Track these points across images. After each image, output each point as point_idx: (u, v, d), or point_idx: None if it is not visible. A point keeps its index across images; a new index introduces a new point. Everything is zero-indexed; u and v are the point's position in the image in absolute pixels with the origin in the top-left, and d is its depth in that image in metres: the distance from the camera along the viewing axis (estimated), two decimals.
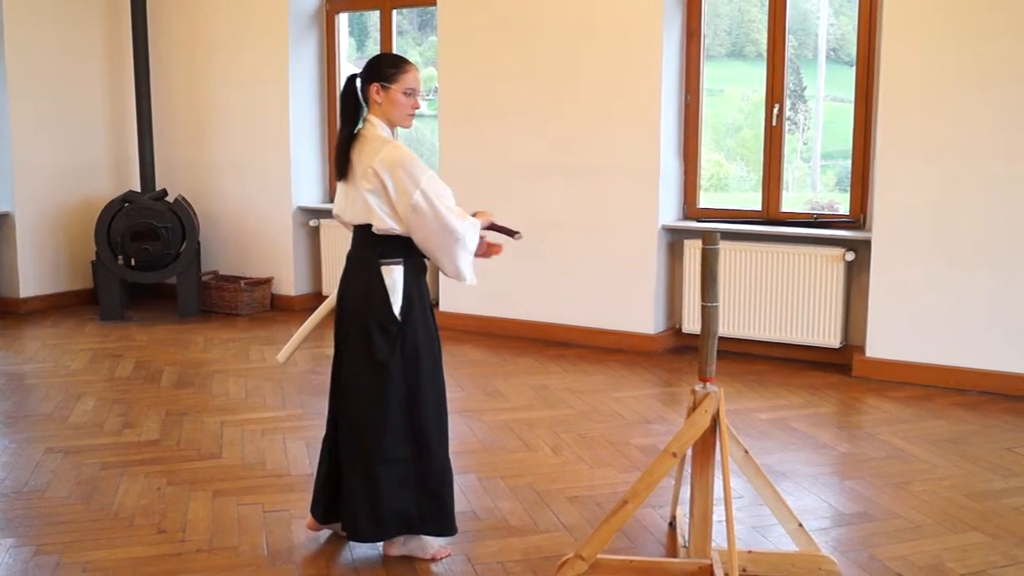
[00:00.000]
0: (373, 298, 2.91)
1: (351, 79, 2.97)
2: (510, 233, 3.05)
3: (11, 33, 6.78)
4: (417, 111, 3.00)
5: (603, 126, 5.78)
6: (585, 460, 3.94)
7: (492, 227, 3.05)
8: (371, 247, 2.93)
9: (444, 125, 6.35)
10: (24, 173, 6.93)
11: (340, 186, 3.01)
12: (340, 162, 2.94)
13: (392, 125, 2.98)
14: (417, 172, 2.85)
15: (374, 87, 2.92)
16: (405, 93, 2.93)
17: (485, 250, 3.07)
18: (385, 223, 2.88)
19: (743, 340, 5.63)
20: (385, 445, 2.94)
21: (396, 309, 2.90)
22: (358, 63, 7.11)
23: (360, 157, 2.90)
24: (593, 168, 5.85)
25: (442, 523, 3.02)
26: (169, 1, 7.34)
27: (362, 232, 2.96)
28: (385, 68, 2.94)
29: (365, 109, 2.97)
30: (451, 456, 3.09)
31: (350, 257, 3.03)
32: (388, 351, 2.91)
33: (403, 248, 2.93)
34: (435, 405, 3.01)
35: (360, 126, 2.96)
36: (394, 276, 2.92)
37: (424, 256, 2.98)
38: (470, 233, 2.93)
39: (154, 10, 7.26)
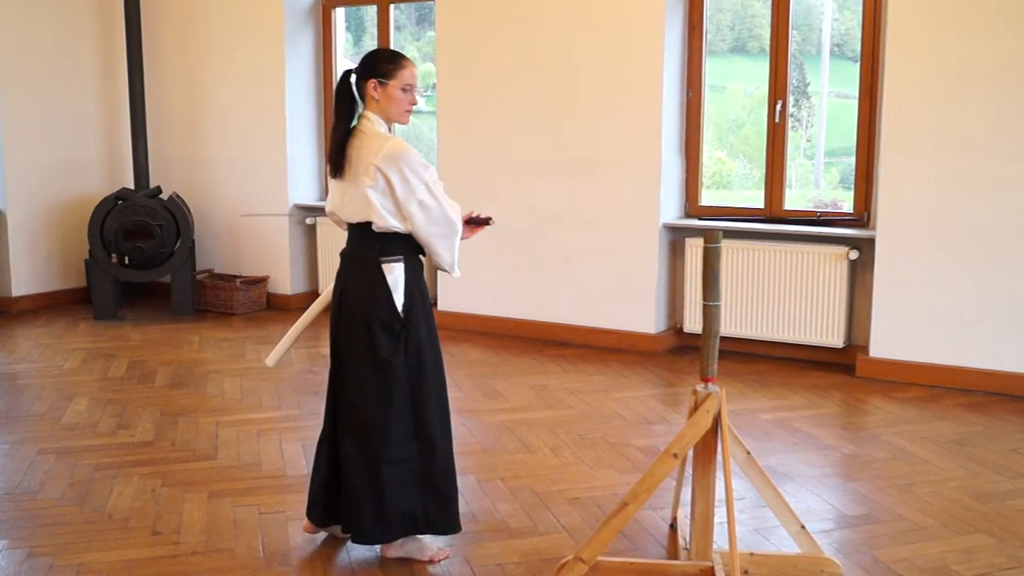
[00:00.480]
0: (376, 297, 2.89)
1: (346, 75, 2.95)
2: (485, 222, 3.12)
3: (2, 28, 6.72)
4: (414, 107, 2.97)
5: (603, 122, 5.73)
6: (585, 461, 3.90)
7: (468, 220, 3.11)
8: (370, 245, 2.90)
9: (442, 122, 6.30)
10: (16, 170, 6.87)
11: (334, 183, 2.97)
12: (336, 159, 2.91)
13: (389, 121, 2.96)
14: (420, 168, 2.86)
15: (371, 83, 2.89)
16: (403, 89, 2.91)
17: (470, 233, 3.13)
18: (386, 221, 2.85)
19: (745, 340, 5.59)
20: (390, 445, 2.91)
21: (399, 307, 2.88)
22: (354, 58, 7.06)
23: (359, 154, 2.87)
24: (593, 165, 5.81)
25: (446, 522, 3.01)
26: None
27: (360, 230, 2.93)
28: (382, 64, 2.91)
29: (361, 105, 2.94)
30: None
31: (346, 255, 3.00)
32: (391, 349, 2.89)
33: (403, 245, 2.92)
34: (438, 402, 3.00)
35: (356, 122, 2.93)
36: (395, 274, 2.90)
37: (422, 252, 2.96)
38: (460, 223, 2.98)
39: (148, 3, 7.20)
